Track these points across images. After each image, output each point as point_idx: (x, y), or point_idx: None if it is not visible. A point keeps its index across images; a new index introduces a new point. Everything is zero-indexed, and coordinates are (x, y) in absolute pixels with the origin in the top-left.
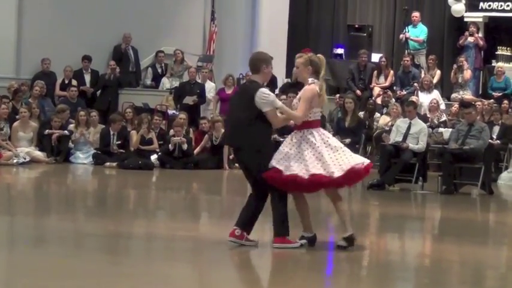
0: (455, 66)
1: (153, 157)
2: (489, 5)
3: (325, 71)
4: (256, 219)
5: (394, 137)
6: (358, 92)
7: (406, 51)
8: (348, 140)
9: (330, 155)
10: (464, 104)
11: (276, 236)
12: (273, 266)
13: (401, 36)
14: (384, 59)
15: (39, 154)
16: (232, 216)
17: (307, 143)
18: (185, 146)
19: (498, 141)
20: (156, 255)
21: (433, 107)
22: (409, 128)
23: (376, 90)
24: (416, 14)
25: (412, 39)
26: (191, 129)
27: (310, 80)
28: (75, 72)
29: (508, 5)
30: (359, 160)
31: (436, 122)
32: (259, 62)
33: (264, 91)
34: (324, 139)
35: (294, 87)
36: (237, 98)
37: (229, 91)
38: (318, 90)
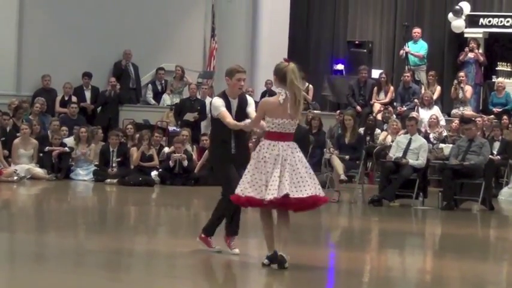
0: (455, 81)
1: (154, 173)
2: (489, 21)
3: (296, 79)
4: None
5: (394, 153)
6: (359, 108)
7: (407, 67)
8: (347, 157)
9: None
10: (464, 120)
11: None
12: (274, 282)
13: (401, 52)
14: (383, 75)
15: (39, 171)
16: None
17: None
18: (186, 163)
19: (498, 156)
20: (157, 272)
21: (432, 123)
22: (409, 143)
23: (377, 106)
24: (417, 30)
25: (412, 54)
26: (194, 146)
27: (277, 90)
28: (75, 88)
29: (508, 21)
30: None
31: (436, 138)
32: (225, 75)
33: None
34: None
35: None
36: None
37: None
38: (280, 100)
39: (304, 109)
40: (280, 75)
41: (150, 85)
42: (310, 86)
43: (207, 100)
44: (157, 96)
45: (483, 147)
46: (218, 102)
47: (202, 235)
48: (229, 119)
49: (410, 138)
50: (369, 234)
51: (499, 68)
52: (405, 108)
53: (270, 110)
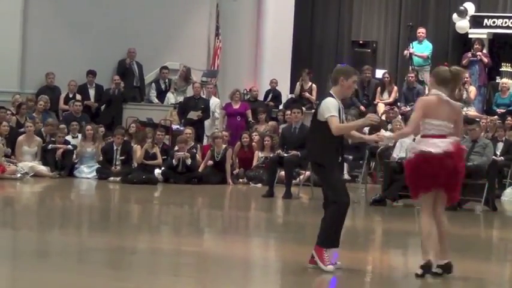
0: None
1: (157, 172)
2: (493, 22)
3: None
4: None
5: (398, 153)
6: (362, 107)
7: (411, 67)
8: (350, 157)
9: None
10: (468, 121)
11: (316, 244)
12: (276, 282)
13: (405, 52)
14: (387, 75)
15: (43, 168)
16: (237, 231)
17: None
18: (189, 161)
19: (502, 157)
20: (160, 270)
21: None
22: None
23: (381, 106)
24: (422, 31)
25: (416, 55)
26: (198, 145)
27: (433, 91)
28: (79, 86)
29: None
30: None
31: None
32: (338, 75)
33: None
34: None
35: (297, 102)
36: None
37: (236, 106)
38: (436, 100)
39: (308, 109)
40: (440, 78)
41: (153, 84)
42: (314, 85)
43: (211, 99)
44: (161, 95)
45: (486, 148)
46: (333, 103)
47: (319, 248)
48: (344, 125)
49: (414, 139)
50: (372, 234)
51: (503, 68)
52: (409, 109)
53: (428, 110)
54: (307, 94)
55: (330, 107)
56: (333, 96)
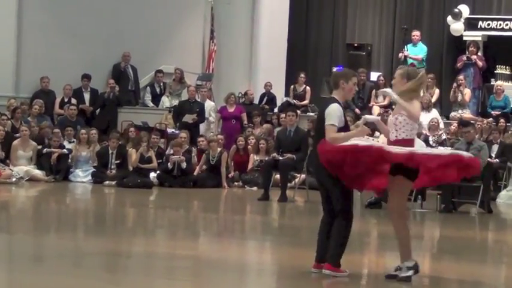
0: (455, 85)
1: (152, 175)
2: (488, 24)
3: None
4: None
5: None
6: (357, 110)
7: None
8: None
9: None
10: (463, 123)
11: (329, 262)
12: (271, 285)
13: (400, 54)
14: (382, 78)
15: (38, 173)
16: (232, 235)
17: None
18: (184, 165)
19: (497, 159)
20: (156, 274)
21: (433, 126)
22: None
23: (376, 109)
24: (416, 33)
25: (411, 58)
26: (193, 148)
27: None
28: (74, 90)
29: (506, 24)
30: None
31: (436, 141)
32: (338, 79)
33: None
34: None
35: (292, 105)
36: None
37: (231, 109)
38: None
39: (303, 112)
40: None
41: (148, 87)
42: (308, 88)
43: (206, 102)
44: (156, 98)
45: (481, 150)
46: (336, 111)
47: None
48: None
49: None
50: (367, 237)
51: (498, 71)
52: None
53: None
54: (296, 103)
55: (333, 115)
56: (338, 102)
